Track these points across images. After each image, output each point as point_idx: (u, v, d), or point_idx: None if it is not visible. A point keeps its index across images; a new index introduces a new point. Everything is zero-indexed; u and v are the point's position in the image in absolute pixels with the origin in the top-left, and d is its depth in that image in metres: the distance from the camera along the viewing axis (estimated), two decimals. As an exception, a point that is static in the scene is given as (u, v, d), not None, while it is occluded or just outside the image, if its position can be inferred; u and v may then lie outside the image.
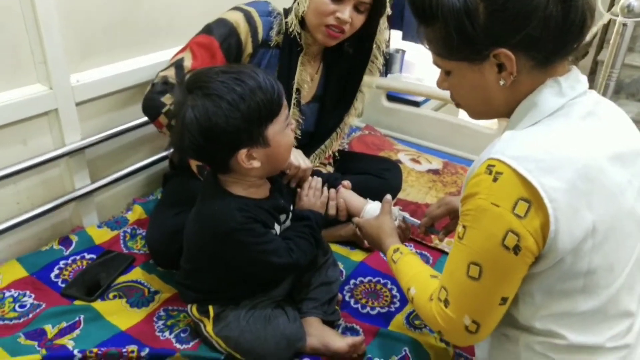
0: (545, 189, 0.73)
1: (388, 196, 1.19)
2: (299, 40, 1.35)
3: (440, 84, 0.92)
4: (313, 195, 1.21)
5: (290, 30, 1.33)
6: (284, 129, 1.03)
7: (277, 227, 1.11)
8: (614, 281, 0.81)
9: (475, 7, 0.76)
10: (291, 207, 1.19)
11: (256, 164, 1.00)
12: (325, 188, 1.23)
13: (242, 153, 0.98)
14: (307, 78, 1.41)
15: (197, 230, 1.09)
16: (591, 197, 0.76)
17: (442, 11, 0.78)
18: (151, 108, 1.30)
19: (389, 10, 1.35)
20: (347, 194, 1.23)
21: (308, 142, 1.50)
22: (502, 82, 0.81)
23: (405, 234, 1.22)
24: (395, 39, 2.51)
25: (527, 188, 0.74)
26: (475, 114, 0.92)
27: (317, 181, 1.23)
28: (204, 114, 0.94)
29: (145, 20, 1.56)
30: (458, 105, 0.93)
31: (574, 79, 0.82)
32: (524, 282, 0.81)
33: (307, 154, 1.49)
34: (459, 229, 0.82)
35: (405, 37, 2.37)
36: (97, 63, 1.49)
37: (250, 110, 0.95)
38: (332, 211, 1.22)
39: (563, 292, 0.81)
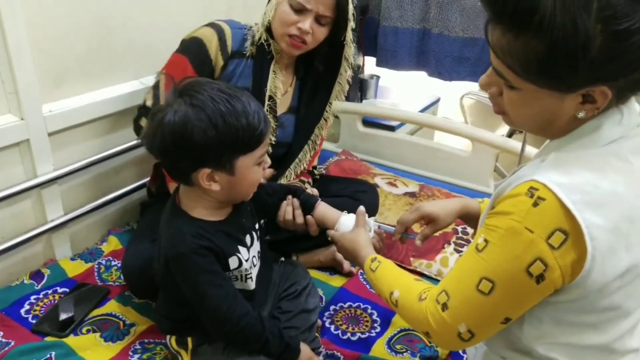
0: (587, 225, 0.69)
1: (361, 208, 1.17)
2: (267, 48, 1.41)
3: (485, 87, 0.82)
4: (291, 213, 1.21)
5: (257, 39, 1.39)
6: (255, 165, 1.01)
7: (243, 251, 1.07)
8: (627, 319, 0.80)
9: (593, 37, 0.65)
10: (257, 227, 1.15)
11: (215, 187, 0.99)
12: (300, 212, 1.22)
13: (205, 172, 0.96)
14: (280, 85, 1.45)
15: (157, 253, 1.06)
16: (631, 239, 0.73)
17: (552, 30, 0.66)
18: (135, 131, 1.42)
19: (352, 24, 1.40)
20: (321, 208, 1.22)
21: (285, 153, 1.52)
22: (581, 114, 0.74)
23: (381, 245, 1.20)
24: (369, 65, 2.55)
25: (569, 220, 0.70)
26: (520, 127, 0.85)
27: (294, 202, 1.23)
28: (182, 120, 0.93)
29: (120, 48, 1.56)
30: (501, 113, 0.83)
31: (633, 109, 0.77)
32: (535, 306, 0.79)
33: (286, 165, 1.51)
34: (479, 240, 0.79)
35: (379, 64, 2.41)
36: (71, 92, 1.47)
37: (227, 133, 0.94)
38: (300, 220, 1.21)
39: (573, 324, 0.79)
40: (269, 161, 1.06)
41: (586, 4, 0.64)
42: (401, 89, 2.71)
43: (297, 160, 1.52)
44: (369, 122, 2.26)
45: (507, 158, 2.08)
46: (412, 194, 1.86)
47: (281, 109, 1.49)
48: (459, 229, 1.63)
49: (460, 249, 1.56)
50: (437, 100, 2.70)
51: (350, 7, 1.37)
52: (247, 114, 0.95)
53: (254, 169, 1.01)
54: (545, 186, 0.72)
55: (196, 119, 0.92)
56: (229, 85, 1.00)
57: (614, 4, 0.64)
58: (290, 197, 1.23)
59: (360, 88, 2.48)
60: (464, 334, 0.81)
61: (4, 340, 1.21)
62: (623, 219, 0.72)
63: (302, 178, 1.55)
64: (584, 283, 0.73)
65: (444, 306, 0.82)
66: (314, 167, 1.64)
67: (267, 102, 1.42)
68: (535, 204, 0.72)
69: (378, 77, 2.51)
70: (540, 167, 0.75)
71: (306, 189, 1.29)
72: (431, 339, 0.87)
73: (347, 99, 2.38)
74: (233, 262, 1.05)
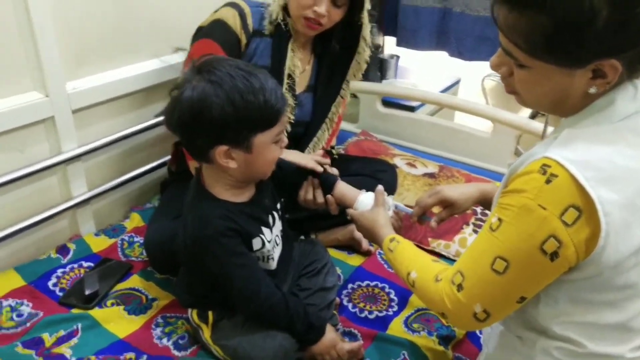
0: (601, 201, 0.69)
1: (380, 187, 1.18)
2: (284, 27, 1.40)
3: (496, 67, 0.81)
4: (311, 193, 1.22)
5: (274, 18, 1.39)
6: (272, 143, 1.01)
7: (267, 232, 1.09)
8: None
9: (598, 10, 0.65)
10: (278, 206, 1.17)
11: (232, 164, 0.99)
12: (320, 191, 1.23)
13: (222, 149, 0.97)
14: (298, 63, 1.45)
15: (182, 233, 1.08)
16: None
17: (556, 4, 0.66)
18: None
19: (368, 5, 1.39)
20: (341, 187, 1.24)
21: (304, 132, 1.53)
22: (592, 90, 0.73)
23: (399, 224, 1.21)
24: (389, 44, 2.53)
25: (582, 196, 0.70)
26: (533, 107, 0.84)
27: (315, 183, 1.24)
28: (200, 97, 0.93)
29: (142, 26, 1.57)
30: (513, 93, 0.83)
31: None
32: (550, 285, 0.79)
33: (304, 144, 1.52)
34: (493, 219, 0.79)
35: (399, 43, 2.38)
36: (94, 70, 1.49)
37: (244, 110, 0.94)
38: (320, 199, 1.23)
39: (590, 302, 0.79)
40: (286, 140, 1.06)
41: None
42: (421, 70, 2.68)
43: (315, 138, 1.53)
44: (388, 102, 2.25)
45: (530, 141, 2.05)
46: (431, 175, 1.85)
47: (299, 87, 1.49)
48: (478, 210, 1.63)
49: (479, 230, 1.56)
50: (458, 82, 2.67)
51: None
52: (264, 91, 0.95)
53: (271, 147, 1.01)
54: (558, 163, 0.71)
55: (214, 94, 0.93)
56: (247, 64, 1.00)
57: None
58: (310, 176, 1.24)
59: (380, 68, 2.46)
60: (479, 314, 0.81)
61: (33, 311, 1.25)
62: (638, 194, 0.72)
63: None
64: (598, 260, 0.72)
65: (459, 287, 0.82)
66: (332, 147, 1.64)
67: (285, 81, 1.42)
68: (548, 181, 0.71)
69: (398, 57, 2.49)
70: (552, 144, 0.75)
71: (325, 169, 1.30)
72: (447, 320, 0.88)
73: (367, 78, 2.38)
74: (256, 244, 1.07)
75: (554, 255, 0.73)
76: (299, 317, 1.07)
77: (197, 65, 0.97)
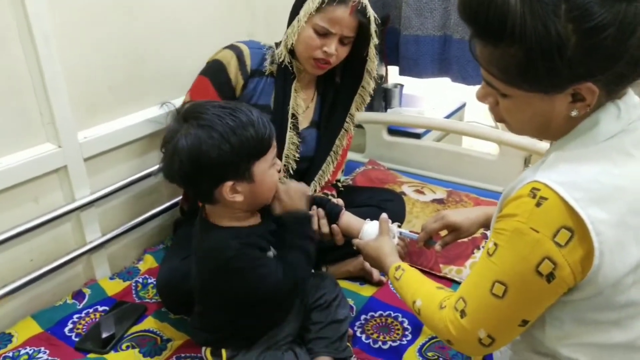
0: (592, 221, 0.70)
1: (384, 215, 1.19)
2: (290, 68, 1.44)
3: (482, 99, 0.84)
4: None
5: (281, 60, 1.42)
6: (269, 168, 1.05)
7: (273, 250, 1.11)
8: None
9: (566, 38, 0.67)
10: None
11: (239, 197, 1.02)
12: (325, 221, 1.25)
13: (227, 186, 1.00)
14: (302, 103, 1.49)
15: (198, 270, 1.10)
16: (639, 231, 0.73)
17: (524, 36, 0.68)
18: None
19: (375, 40, 1.42)
20: (345, 217, 1.25)
21: (309, 167, 1.55)
22: (574, 113, 0.75)
23: (406, 251, 1.21)
24: (392, 74, 2.56)
25: (573, 217, 0.71)
26: (521, 133, 0.87)
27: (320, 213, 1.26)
28: (195, 143, 0.97)
29: (148, 74, 1.62)
30: (501, 121, 0.85)
31: (631, 103, 0.78)
32: (554, 306, 0.79)
33: (309, 178, 1.54)
34: (489, 245, 0.80)
35: (402, 72, 2.41)
36: (103, 119, 1.54)
37: (240, 145, 0.98)
38: (325, 229, 1.25)
39: (595, 322, 0.79)
40: (280, 163, 1.10)
41: (554, 7, 0.67)
42: (426, 96, 2.71)
43: (320, 172, 1.55)
44: (394, 130, 2.27)
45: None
46: (439, 201, 1.86)
47: (303, 124, 1.52)
48: (488, 233, 1.62)
49: (490, 254, 1.55)
50: (463, 105, 2.69)
51: (373, 25, 1.39)
52: (252, 123, 1.00)
53: (269, 172, 1.06)
54: (547, 186, 0.73)
55: (208, 137, 0.96)
56: (227, 101, 1.04)
57: (581, 4, 0.66)
58: (315, 207, 1.25)
59: (384, 97, 2.49)
60: (484, 339, 0.82)
61: (50, 358, 1.26)
62: (629, 212, 0.72)
63: (326, 191, 1.57)
64: (595, 279, 0.73)
65: (462, 313, 0.83)
66: (338, 180, 1.66)
67: (290, 120, 1.45)
68: (538, 204, 0.73)
69: (402, 85, 2.52)
70: (540, 167, 0.77)
71: (330, 199, 1.32)
72: (453, 347, 0.88)
73: (372, 108, 2.41)
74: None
75: (550, 277, 0.73)
76: (305, 252, 1.10)
77: (181, 114, 1.02)
